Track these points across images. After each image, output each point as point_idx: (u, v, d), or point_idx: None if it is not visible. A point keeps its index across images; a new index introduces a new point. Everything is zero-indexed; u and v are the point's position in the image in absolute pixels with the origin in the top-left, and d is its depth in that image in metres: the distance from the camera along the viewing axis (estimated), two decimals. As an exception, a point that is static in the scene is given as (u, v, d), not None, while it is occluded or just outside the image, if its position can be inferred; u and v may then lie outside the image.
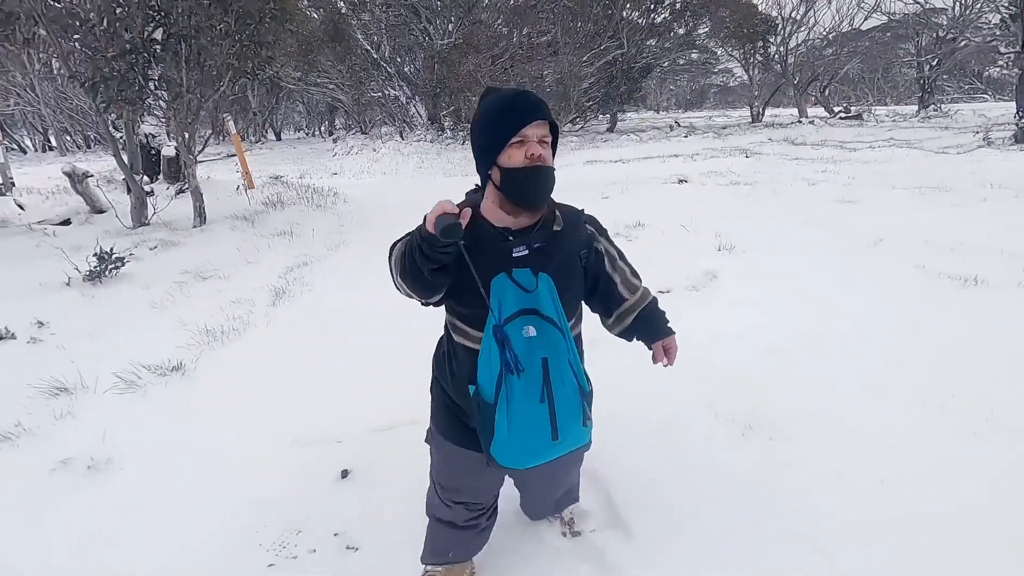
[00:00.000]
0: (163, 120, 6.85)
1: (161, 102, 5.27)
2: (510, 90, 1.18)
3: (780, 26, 18.48)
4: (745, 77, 20.45)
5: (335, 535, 1.69)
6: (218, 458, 2.04)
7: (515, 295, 1.17)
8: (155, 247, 4.83)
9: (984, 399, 2.01)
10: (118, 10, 4.17)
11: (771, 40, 18.31)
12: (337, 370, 2.62)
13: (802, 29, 19.01)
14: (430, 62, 16.39)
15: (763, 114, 19.62)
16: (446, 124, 17.00)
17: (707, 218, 4.71)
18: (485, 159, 1.17)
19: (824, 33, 19.48)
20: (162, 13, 4.49)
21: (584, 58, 16.82)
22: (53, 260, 4.32)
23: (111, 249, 4.12)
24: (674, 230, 4.47)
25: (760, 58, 18.74)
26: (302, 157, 16.95)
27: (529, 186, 1.15)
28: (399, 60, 18.58)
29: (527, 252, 1.18)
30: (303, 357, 2.80)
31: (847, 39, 19.66)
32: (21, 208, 7.06)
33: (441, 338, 1.39)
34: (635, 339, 1.41)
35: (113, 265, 4.05)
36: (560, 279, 1.21)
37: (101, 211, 6.49)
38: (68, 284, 3.91)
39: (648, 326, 1.38)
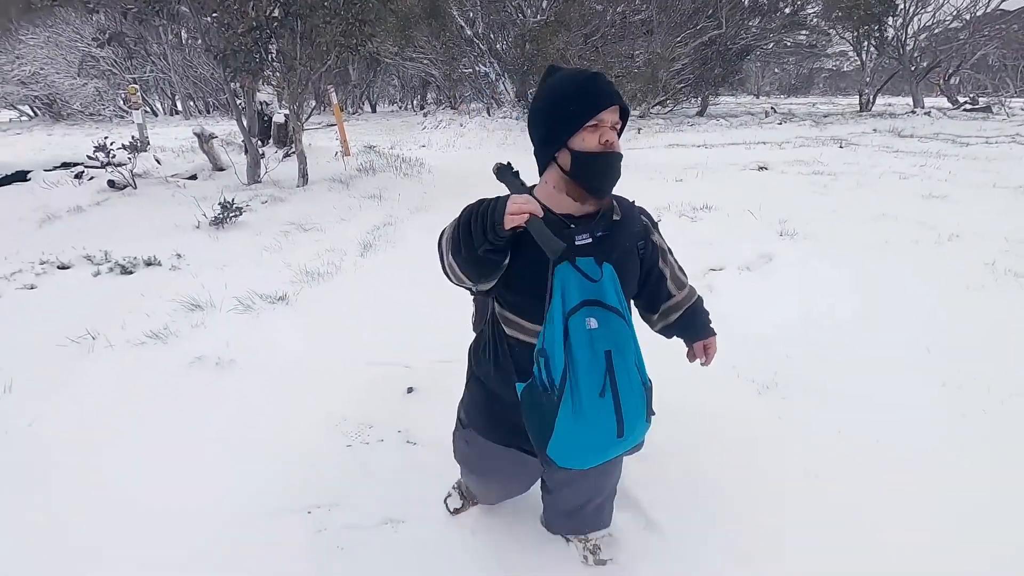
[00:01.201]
0: (277, 89, 7.61)
1: (276, 74, 5.92)
2: (582, 71, 1.14)
3: (901, 6, 16.96)
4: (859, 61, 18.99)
5: (399, 431, 2.10)
6: (310, 368, 2.52)
7: (579, 285, 1.13)
8: (265, 201, 5.52)
9: (997, 386, 2.08)
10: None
11: (888, 22, 16.85)
12: (410, 310, 3.04)
13: (928, 8, 17.32)
14: (521, 40, 16.58)
15: (873, 102, 18.20)
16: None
17: (778, 205, 4.71)
18: (553, 141, 1.13)
19: (953, 14, 17.61)
20: (282, -8, 5.07)
21: (678, 38, 16.36)
22: (185, 207, 5.10)
23: (232, 200, 4.82)
24: (740, 214, 4.53)
25: (875, 41, 17.33)
26: (394, 129, 17.84)
27: (602, 172, 1.13)
28: (492, 37, 18.91)
29: (590, 240, 1.15)
30: (383, 298, 3.25)
31: (982, 22, 17.69)
32: (158, 163, 8.14)
33: (482, 332, 1.34)
34: (675, 336, 1.40)
35: (233, 214, 4.74)
36: (621, 270, 1.18)
37: (221, 168, 7.38)
38: (198, 227, 4.63)
39: (692, 325, 1.38)
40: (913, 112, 15.99)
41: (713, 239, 4.02)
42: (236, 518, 1.68)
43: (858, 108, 18.02)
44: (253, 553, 1.57)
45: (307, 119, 6.69)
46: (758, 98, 34.34)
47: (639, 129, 13.77)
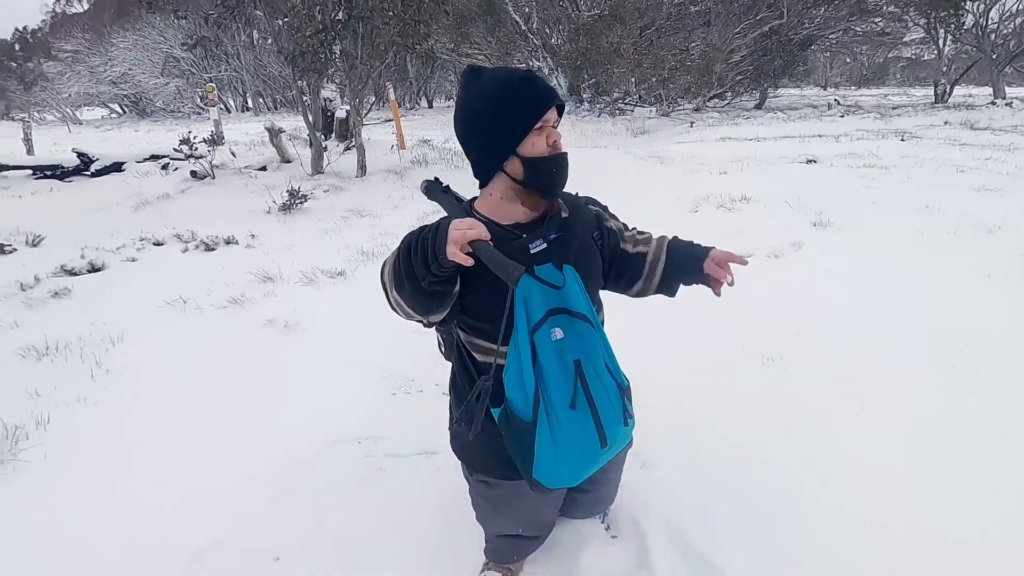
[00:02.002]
0: (340, 87, 8.13)
1: (338, 72, 6.40)
2: (512, 71, 1.07)
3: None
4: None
5: (436, 384, 2.41)
6: (363, 332, 2.87)
7: (543, 295, 1.06)
8: (327, 190, 6.01)
9: (991, 367, 2.17)
10: (314, -4, 5.24)
11: (967, 7, 15.84)
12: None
13: (1013, -8, 16.14)
14: (574, 34, 16.70)
15: (950, 93, 17.17)
16: (585, 96, 17.30)
17: (818, 197, 4.73)
18: (499, 150, 1.05)
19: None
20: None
21: (737, 29, 16.00)
22: (257, 195, 5.64)
23: (297, 189, 5.30)
24: (778, 206, 4.60)
25: (951, 27, 16.33)
26: (446, 124, 18.33)
27: (557, 174, 1.09)
28: (547, 31, 19.10)
29: (545, 245, 1.11)
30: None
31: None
32: (233, 155, 8.87)
33: (454, 369, 1.28)
34: (678, 284, 1.27)
35: (299, 201, 5.22)
36: (582, 268, 1.14)
37: (288, 160, 7.99)
38: (268, 212, 5.14)
39: (685, 257, 1.25)
40: (993, 103, 15.00)
41: (746, 229, 4.13)
42: (300, 444, 2.04)
43: (933, 99, 17.06)
44: (314, 470, 1.92)
45: (366, 114, 7.16)
46: (825, 89, 32.86)
47: (692, 123, 13.63)
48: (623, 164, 7.98)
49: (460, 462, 1.34)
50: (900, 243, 3.56)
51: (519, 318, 1.04)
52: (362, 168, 6.76)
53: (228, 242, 4.19)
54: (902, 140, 8.77)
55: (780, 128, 11.75)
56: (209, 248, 4.09)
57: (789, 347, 2.45)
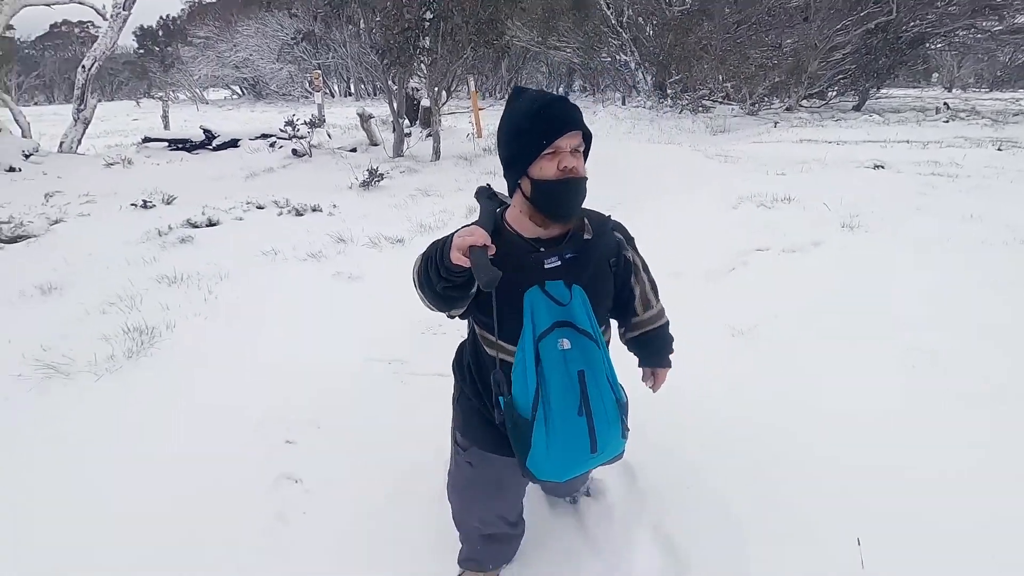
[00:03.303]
0: (424, 79, 8.88)
1: (422, 66, 7.09)
2: (542, 96, 1.14)
3: None
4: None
5: (457, 330, 2.96)
6: (408, 288, 3.48)
7: (548, 308, 1.15)
8: (403, 171, 6.75)
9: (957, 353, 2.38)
10: (403, -1, 5.93)
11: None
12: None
13: None
14: (662, 29, 16.60)
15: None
16: (669, 92, 17.18)
17: (862, 201, 4.81)
18: (514, 168, 1.15)
19: None
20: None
21: (839, 25, 15.22)
22: (344, 172, 6.47)
23: (376, 169, 6.06)
24: (816, 207, 4.73)
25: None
26: (531, 115, 18.80)
27: (561, 199, 1.14)
28: (639, 24, 19.05)
29: (559, 263, 1.17)
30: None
31: None
32: (329, 136, 9.91)
33: (462, 345, 1.39)
34: (633, 352, 1.44)
35: (376, 179, 5.97)
36: (593, 290, 1.20)
37: (376, 144, 8.87)
38: (350, 187, 5.94)
39: (650, 348, 1.41)
40: None
41: (776, 225, 4.34)
42: (348, 359, 2.67)
43: (1067, 105, 15.35)
44: (355, 378, 2.54)
45: (444, 104, 7.84)
46: (950, 91, 29.99)
47: (776, 123, 13.27)
48: (684, 160, 8.15)
49: (451, 443, 1.45)
50: (920, 246, 3.67)
51: (526, 325, 1.13)
52: (436, 153, 7.46)
53: (314, 210, 4.98)
54: (999, 149, 8.25)
55: (871, 132, 11.24)
56: (299, 213, 4.91)
57: (764, 324, 2.77)
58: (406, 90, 9.31)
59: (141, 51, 35.56)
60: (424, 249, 1.17)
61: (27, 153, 7.46)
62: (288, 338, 2.87)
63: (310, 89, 26.55)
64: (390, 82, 7.59)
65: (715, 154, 8.92)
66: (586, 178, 1.14)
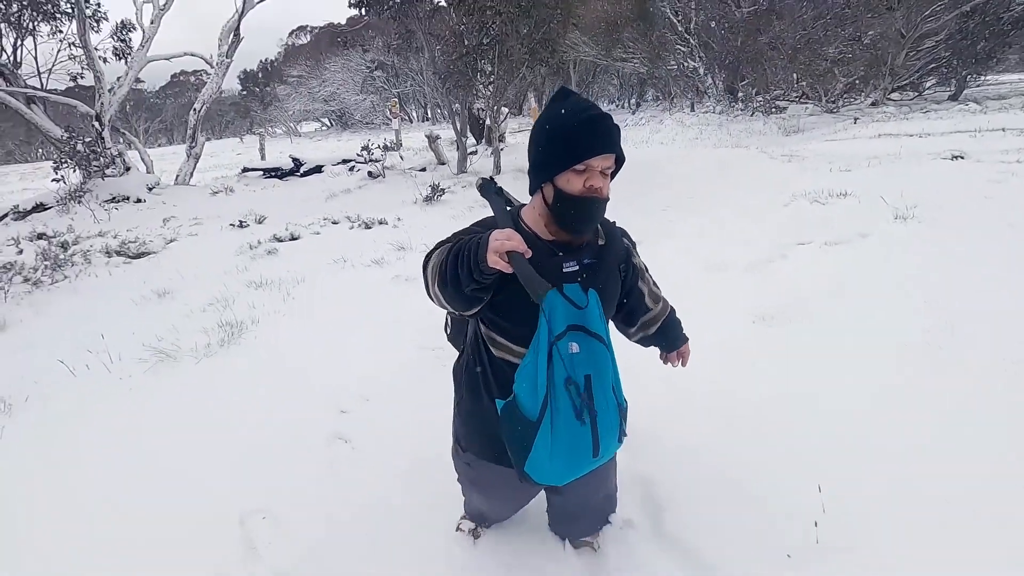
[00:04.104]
0: (485, 100, 9.39)
1: (482, 87, 7.57)
2: (586, 108, 1.11)
3: None
4: None
5: (496, 322, 3.26)
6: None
7: (565, 312, 1.14)
8: (465, 186, 7.20)
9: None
10: (461, 27, 6.41)
11: None
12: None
13: None
14: (731, 32, 16.25)
15: None
16: (740, 95, 16.74)
17: (925, 192, 4.61)
18: (541, 172, 1.15)
19: None
20: (488, 25, 6.61)
21: (927, 11, 14.23)
22: (411, 190, 7.02)
23: (438, 185, 6.54)
24: (873, 200, 4.60)
25: None
26: (598, 127, 18.95)
27: (579, 216, 1.14)
28: (707, 30, 18.77)
29: (577, 268, 1.18)
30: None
31: None
32: (402, 158, 10.66)
33: (464, 352, 1.37)
34: (651, 345, 1.49)
35: (438, 194, 6.45)
36: (605, 294, 1.21)
37: (443, 163, 9.45)
38: (415, 203, 6.45)
39: (669, 336, 1.46)
40: None
41: (825, 219, 4.30)
42: (401, 348, 3.02)
43: None
44: (408, 362, 2.88)
45: (504, 122, 8.26)
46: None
47: (856, 119, 12.59)
48: (745, 162, 8.03)
49: (453, 441, 1.48)
50: (979, 236, 3.53)
51: (542, 327, 1.12)
52: (497, 168, 7.87)
53: (381, 223, 5.51)
54: (1111, 132, 7.44)
55: (960, 122, 10.42)
56: (367, 227, 5.44)
57: (786, 310, 2.84)
58: (472, 111, 9.87)
59: (244, 92, 39.41)
60: (435, 248, 1.18)
61: (150, 187, 8.69)
62: (350, 330, 3.29)
63: (389, 116, 28.37)
64: (455, 104, 8.13)
65: (780, 155, 8.69)
66: (608, 199, 1.14)
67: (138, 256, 5.06)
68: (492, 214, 1.26)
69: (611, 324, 1.38)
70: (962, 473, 1.62)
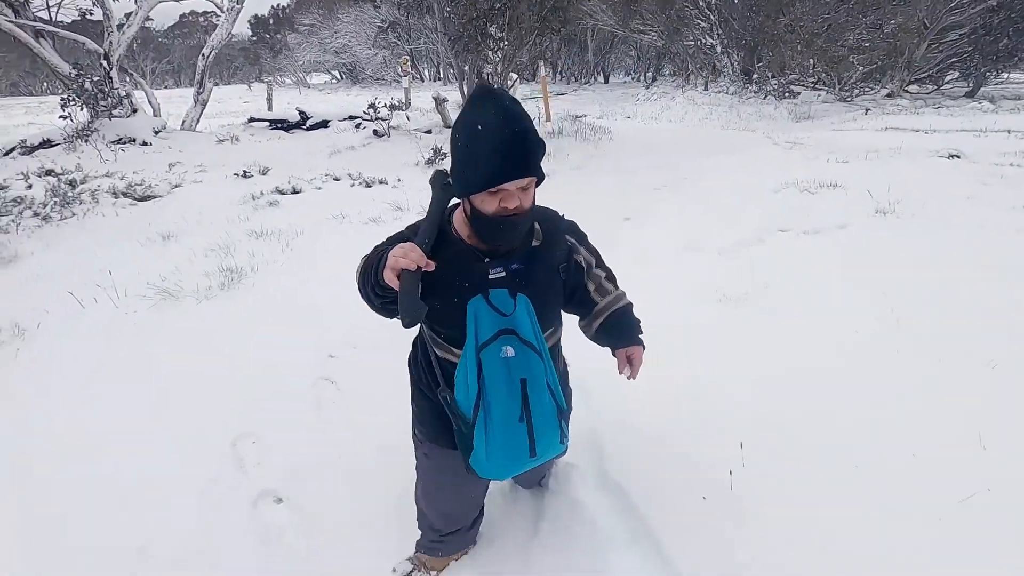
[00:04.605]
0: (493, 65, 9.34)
1: (491, 53, 7.56)
2: (504, 124, 1.01)
3: None
4: None
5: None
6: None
7: (491, 318, 1.13)
8: (467, 151, 7.28)
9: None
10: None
11: None
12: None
13: None
14: (752, 10, 15.94)
15: None
16: (755, 77, 16.52)
17: (916, 188, 4.72)
18: (458, 186, 1.09)
19: None
20: (498, -10, 6.59)
21: (952, 3, 13.94)
22: (415, 151, 7.10)
23: (441, 148, 6.62)
24: (859, 193, 4.72)
25: None
26: (610, 100, 18.77)
27: (497, 235, 1.10)
28: (728, 7, 18.37)
29: (504, 275, 1.15)
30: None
31: None
32: (408, 119, 10.65)
33: (415, 341, 1.36)
34: (604, 344, 1.39)
35: (440, 156, 6.54)
36: (538, 298, 1.18)
37: (449, 125, 9.46)
38: (416, 164, 6.55)
39: (616, 331, 1.35)
40: None
41: (809, 208, 4.43)
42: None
43: None
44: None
45: (512, 88, 8.27)
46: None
47: (867, 110, 12.52)
48: (747, 147, 8.09)
49: (412, 436, 1.45)
50: (950, 235, 3.67)
51: (469, 334, 1.12)
52: (501, 135, 7.93)
53: (381, 182, 5.63)
54: (1114, 141, 7.47)
55: (969, 121, 10.40)
56: (368, 185, 5.57)
57: (749, 293, 3.02)
58: (482, 75, 9.83)
59: (254, 38, 38.67)
60: (369, 251, 1.18)
61: (156, 130, 8.74)
62: (344, 283, 3.46)
63: (400, 74, 27.94)
64: (464, 67, 8.12)
65: (784, 141, 8.74)
66: (530, 210, 1.10)
67: (144, 199, 5.20)
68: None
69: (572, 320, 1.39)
70: (876, 444, 1.82)
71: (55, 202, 4.55)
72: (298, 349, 2.73)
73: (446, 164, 6.33)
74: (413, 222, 1.23)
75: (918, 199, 4.38)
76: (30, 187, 5.20)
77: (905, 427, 1.88)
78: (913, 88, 15.49)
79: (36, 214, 4.40)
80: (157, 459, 2.03)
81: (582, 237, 1.31)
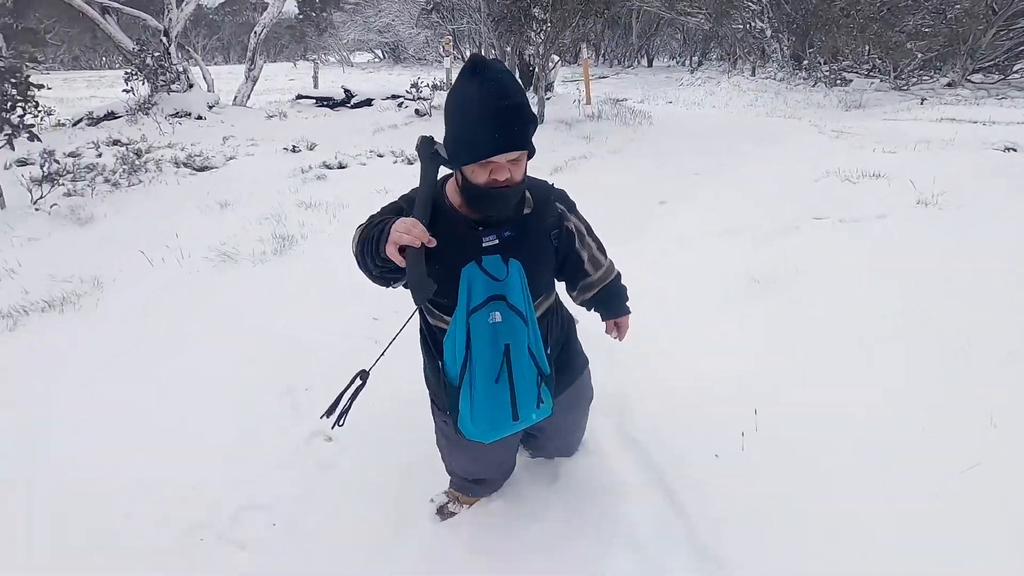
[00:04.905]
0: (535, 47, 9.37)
1: (533, 34, 7.60)
2: (496, 95, 1.03)
3: None
4: None
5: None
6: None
7: (484, 284, 1.16)
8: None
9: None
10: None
11: None
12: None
13: None
14: (805, -7, 15.35)
15: None
16: (804, 64, 15.96)
17: (963, 180, 4.61)
18: (450, 157, 1.12)
19: None
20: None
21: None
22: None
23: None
24: (902, 184, 4.65)
25: None
26: (652, 84, 18.46)
27: (488, 206, 1.14)
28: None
29: (497, 242, 1.18)
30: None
31: None
32: (449, 99, 10.77)
33: (420, 316, 1.41)
34: (592, 310, 1.49)
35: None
36: (530, 264, 1.22)
37: (488, 107, 9.56)
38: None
39: (607, 303, 1.45)
40: None
41: (849, 198, 4.40)
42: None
43: None
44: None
45: (553, 70, 8.30)
46: None
47: (923, 100, 11.99)
48: (791, 135, 7.95)
49: (431, 407, 1.52)
50: (992, 228, 3.61)
51: (460, 299, 1.16)
52: (540, 117, 7.98)
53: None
54: None
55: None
56: (409, 162, 5.76)
57: (783, 276, 3.08)
58: (524, 56, 9.87)
59: (300, 16, 39.26)
60: (364, 221, 1.20)
61: (210, 105, 9.13)
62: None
63: (442, 54, 27.99)
64: (505, 48, 8.19)
65: (831, 130, 8.51)
66: (521, 183, 1.12)
67: (202, 169, 5.52)
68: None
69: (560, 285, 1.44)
70: (886, 421, 1.91)
71: (124, 169, 4.90)
72: (344, 311, 2.94)
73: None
74: (405, 192, 1.27)
75: (964, 191, 4.29)
76: (100, 155, 5.58)
77: (917, 408, 1.95)
78: (977, 77, 14.71)
79: (107, 180, 4.75)
80: (221, 399, 2.27)
81: (572, 205, 1.34)
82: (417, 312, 1.38)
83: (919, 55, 13.11)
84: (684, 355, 2.37)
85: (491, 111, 1.03)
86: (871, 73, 14.80)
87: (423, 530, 1.65)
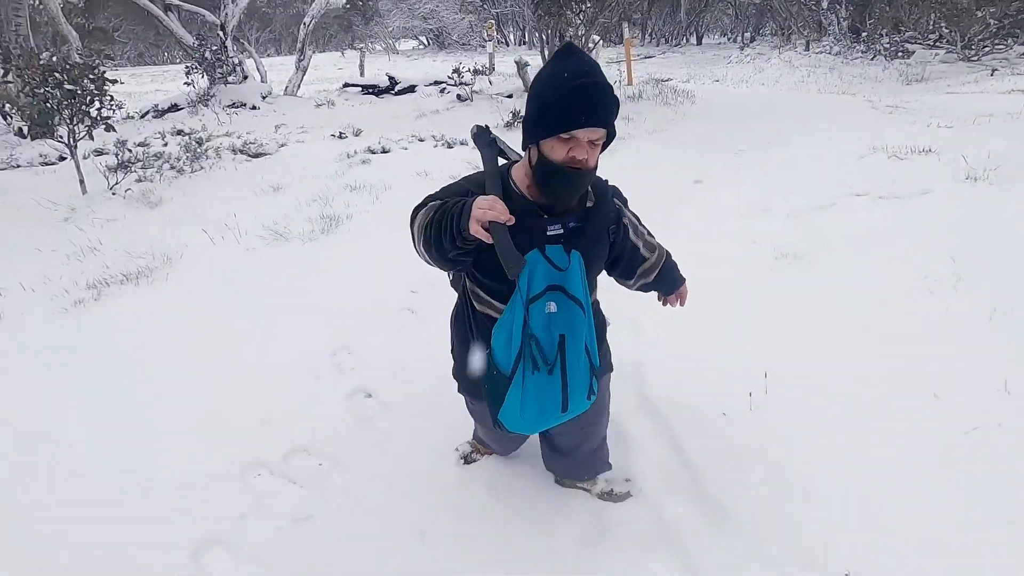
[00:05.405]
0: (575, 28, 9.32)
1: (572, 15, 7.60)
2: (585, 73, 1.08)
3: None
4: None
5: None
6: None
7: (546, 272, 1.17)
8: (545, 115, 7.46)
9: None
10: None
11: None
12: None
13: None
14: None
15: None
16: (863, 36, 15.14)
17: (1019, 155, 4.42)
18: (529, 132, 1.14)
19: None
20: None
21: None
22: (496, 114, 7.38)
23: (519, 111, 6.85)
24: (953, 159, 4.48)
25: None
26: (700, 63, 17.98)
27: (560, 186, 1.14)
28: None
29: (562, 231, 1.19)
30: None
31: None
32: (491, 83, 10.89)
33: (458, 301, 1.43)
34: (652, 291, 1.51)
35: (518, 120, 6.78)
36: (590, 256, 1.23)
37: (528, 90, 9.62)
38: (496, 127, 6.82)
39: (668, 281, 1.48)
40: None
41: (894, 174, 4.29)
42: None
43: None
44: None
45: (594, 52, 8.27)
46: None
47: (993, 71, 11.22)
48: (842, 111, 7.70)
49: (458, 388, 1.57)
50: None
51: (520, 287, 1.15)
52: (579, 99, 8.01)
53: (462, 143, 5.98)
54: None
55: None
56: (449, 146, 5.95)
57: (813, 251, 3.09)
58: (564, 38, 9.84)
59: (348, 5, 40.00)
60: (423, 203, 1.22)
61: (264, 95, 9.58)
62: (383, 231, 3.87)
63: (485, 38, 27.98)
64: (546, 30, 8.21)
65: (886, 105, 8.14)
66: (594, 170, 1.14)
67: (256, 156, 5.87)
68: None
69: (610, 280, 1.48)
70: (898, 389, 1.95)
71: (187, 157, 5.29)
72: (385, 284, 3.16)
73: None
74: (468, 175, 1.32)
75: (1019, 166, 4.11)
76: (166, 144, 6.02)
77: (931, 376, 1.99)
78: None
79: (172, 167, 5.15)
80: (275, 358, 2.52)
81: (625, 200, 1.39)
82: (458, 298, 1.42)
83: (992, 22, 12.24)
84: (703, 324, 2.44)
85: (580, 87, 1.06)
86: (937, 44, 13.93)
87: (449, 472, 1.83)
